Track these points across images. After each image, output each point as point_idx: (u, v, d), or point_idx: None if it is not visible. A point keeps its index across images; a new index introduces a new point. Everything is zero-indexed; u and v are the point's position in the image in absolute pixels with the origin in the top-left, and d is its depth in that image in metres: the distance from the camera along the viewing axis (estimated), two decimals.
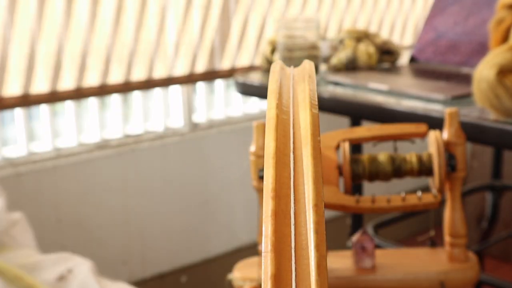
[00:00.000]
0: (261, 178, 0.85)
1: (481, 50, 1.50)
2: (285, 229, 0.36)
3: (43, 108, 1.85)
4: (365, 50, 1.60)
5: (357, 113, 1.37)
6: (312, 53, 1.50)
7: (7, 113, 1.83)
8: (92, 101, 1.95)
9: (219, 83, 2.25)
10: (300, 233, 0.36)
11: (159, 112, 2.10)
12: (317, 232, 0.35)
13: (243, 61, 2.19)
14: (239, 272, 0.91)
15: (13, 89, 1.72)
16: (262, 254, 0.35)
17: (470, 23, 1.58)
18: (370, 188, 2.37)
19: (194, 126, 2.16)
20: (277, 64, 0.51)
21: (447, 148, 0.85)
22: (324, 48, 1.63)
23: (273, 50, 1.66)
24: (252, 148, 0.86)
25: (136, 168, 2.01)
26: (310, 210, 0.36)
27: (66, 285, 1.02)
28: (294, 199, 0.37)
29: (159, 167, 2.06)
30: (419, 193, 0.85)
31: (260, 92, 1.57)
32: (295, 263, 0.35)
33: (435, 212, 1.15)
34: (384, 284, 0.86)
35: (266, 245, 0.35)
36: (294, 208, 0.37)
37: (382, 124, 0.93)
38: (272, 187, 0.37)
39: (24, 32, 1.71)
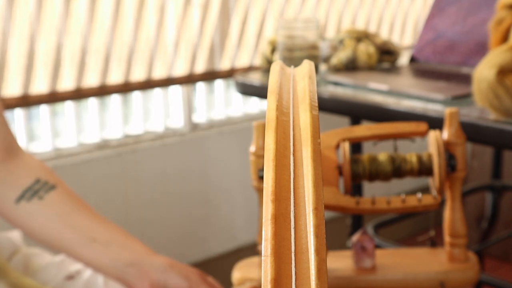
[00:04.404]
0: (261, 178, 0.85)
1: (481, 50, 1.50)
2: (285, 232, 0.36)
3: (43, 108, 1.85)
4: (365, 50, 1.60)
5: (357, 113, 1.37)
6: (312, 53, 1.50)
7: (7, 113, 1.83)
8: (92, 101, 1.95)
9: (219, 83, 2.25)
10: (300, 237, 0.36)
11: (159, 112, 2.10)
12: (317, 236, 0.35)
13: (243, 61, 2.19)
14: (239, 272, 0.91)
15: (13, 90, 1.72)
16: (262, 258, 0.35)
17: (469, 23, 1.58)
18: (370, 188, 2.37)
19: (194, 126, 2.16)
20: (277, 64, 0.51)
21: (447, 148, 0.85)
22: (324, 48, 1.63)
23: (273, 50, 1.66)
24: (252, 148, 0.86)
25: (136, 168, 2.01)
26: (310, 213, 0.36)
27: (73, 284, 1.02)
28: (294, 202, 0.37)
29: (159, 167, 2.06)
30: (419, 195, 0.85)
31: (260, 92, 1.57)
32: (295, 267, 0.35)
33: (435, 212, 1.15)
34: (384, 284, 0.86)
35: (266, 249, 0.35)
36: (294, 212, 0.37)
37: (382, 123, 0.93)
38: (272, 190, 0.37)
39: (23, 32, 1.71)
